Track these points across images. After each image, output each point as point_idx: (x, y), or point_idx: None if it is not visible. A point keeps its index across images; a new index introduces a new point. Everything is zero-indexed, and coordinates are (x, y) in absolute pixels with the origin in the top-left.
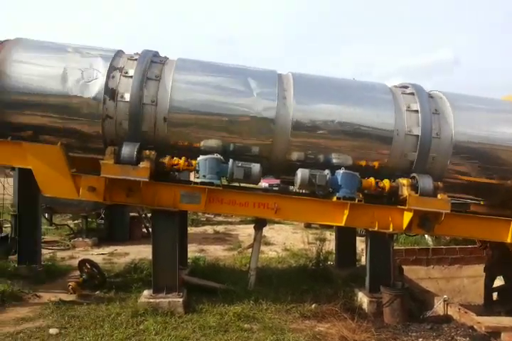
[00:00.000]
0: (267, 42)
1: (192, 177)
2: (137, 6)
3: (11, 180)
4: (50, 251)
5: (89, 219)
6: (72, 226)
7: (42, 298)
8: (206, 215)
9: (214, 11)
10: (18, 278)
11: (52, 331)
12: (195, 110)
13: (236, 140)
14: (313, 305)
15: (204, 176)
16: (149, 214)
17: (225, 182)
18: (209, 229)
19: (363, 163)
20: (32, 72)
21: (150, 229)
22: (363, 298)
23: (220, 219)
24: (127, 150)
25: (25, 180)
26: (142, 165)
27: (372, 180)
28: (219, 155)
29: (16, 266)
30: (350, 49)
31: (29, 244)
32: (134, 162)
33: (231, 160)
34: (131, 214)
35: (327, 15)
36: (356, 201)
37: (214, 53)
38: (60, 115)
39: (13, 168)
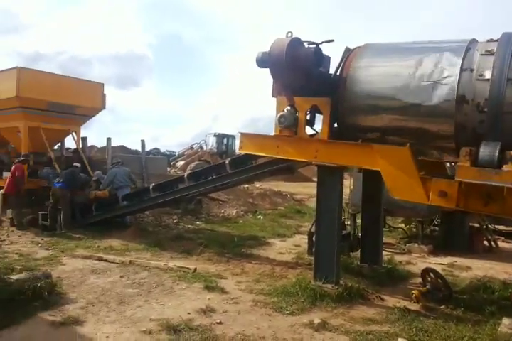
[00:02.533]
0: None
1: None
2: None
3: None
4: (387, 253)
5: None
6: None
7: (385, 301)
8: None
9: None
10: (360, 277)
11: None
12: None
13: None
14: None
15: None
16: (490, 226)
17: None
18: None
19: None
20: (379, 75)
21: (493, 243)
22: None
23: None
24: (487, 150)
25: (369, 181)
26: (507, 168)
27: None
28: None
29: (359, 264)
30: None
31: (371, 243)
32: (495, 165)
33: None
34: (470, 224)
35: None
36: None
37: None
38: (408, 115)
39: (359, 170)
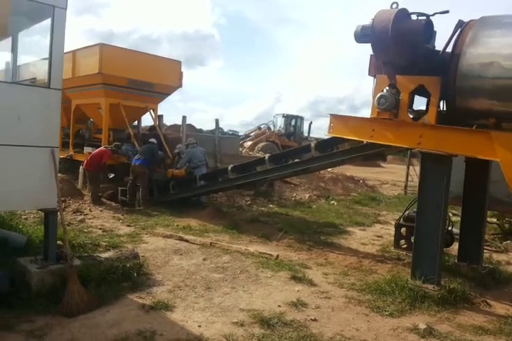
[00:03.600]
0: None
1: None
2: None
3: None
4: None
5: None
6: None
7: (492, 308)
8: None
9: None
10: (459, 277)
11: None
12: None
13: None
14: None
15: None
16: None
17: None
18: None
19: None
20: (504, 52)
21: None
22: None
23: None
24: None
25: (474, 172)
26: None
27: None
28: None
29: (456, 261)
30: None
31: (472, 240)
32: None
33: None
34: None
35: None
36: None
37: None
38: None
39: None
